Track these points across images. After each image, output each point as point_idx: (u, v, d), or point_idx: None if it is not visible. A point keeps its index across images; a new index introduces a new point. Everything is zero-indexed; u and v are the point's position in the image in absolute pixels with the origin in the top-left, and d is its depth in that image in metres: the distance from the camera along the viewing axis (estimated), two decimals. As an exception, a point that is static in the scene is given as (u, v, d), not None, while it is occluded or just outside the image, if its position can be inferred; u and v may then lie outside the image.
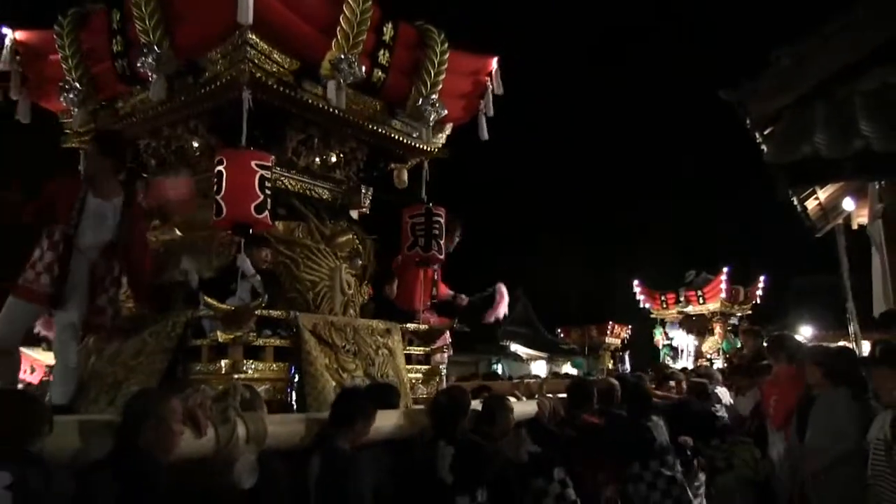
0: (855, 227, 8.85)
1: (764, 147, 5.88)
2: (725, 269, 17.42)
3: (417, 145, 5.15)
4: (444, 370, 5.45)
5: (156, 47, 4.10)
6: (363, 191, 5.28)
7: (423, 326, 5.12)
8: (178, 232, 4.50)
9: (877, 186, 7.19)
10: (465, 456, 3.64)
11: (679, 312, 18.08)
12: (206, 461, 2.76)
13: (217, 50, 4.14)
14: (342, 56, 4.29)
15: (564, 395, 4.90)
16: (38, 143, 5.45)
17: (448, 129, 5.44)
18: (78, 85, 4.61)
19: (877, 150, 4.61)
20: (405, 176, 5.63)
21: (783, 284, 21.02)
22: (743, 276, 18.22)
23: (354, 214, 5.34)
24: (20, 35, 5.03)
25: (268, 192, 3.96)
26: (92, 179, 4.13)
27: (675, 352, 17.90)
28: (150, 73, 4.18)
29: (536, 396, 4.85)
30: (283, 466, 3.05)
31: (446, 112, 5.02)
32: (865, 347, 7.31)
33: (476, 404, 4.04)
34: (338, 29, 4.27)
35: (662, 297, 18.35)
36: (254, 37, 4.00)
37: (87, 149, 4.37)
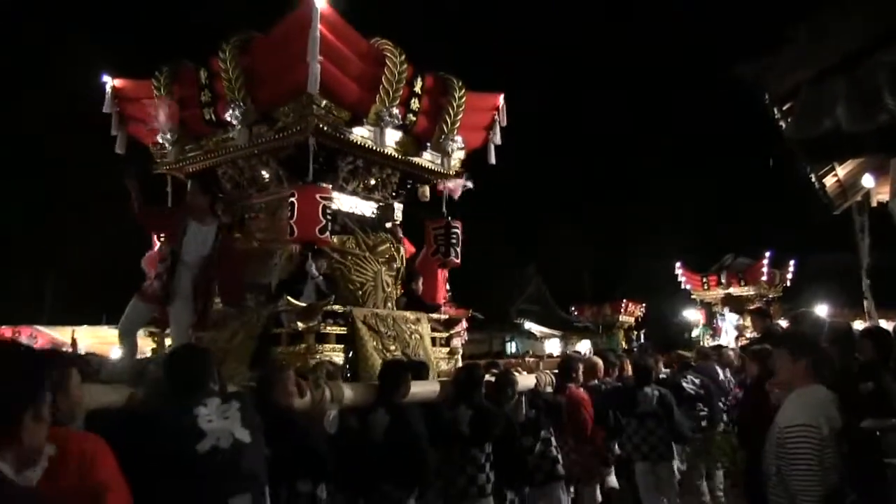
0: (874, 204, 8.55)
1: (782, 123, 5.68)
2: (767, 254, 18.29)
3: (439, 170, 6.39)
4: (461, 350, 6.72)
5: (241, 103, 5.33)
6: (394, 207, 6.51)
7: (444, 316, 6.39)
8: (254, 244, 5.76)
9: None
10: (479, 417, 4.88)
11: (723, 293, 18.91)
12: (307, 413, 4.03)
13: (288, 105, 5.35)
14: (384, 108, 5.53)
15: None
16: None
17: (463, 154, 6.66)
18: (171, 126, 5.84)
19: None
20: (427, 191, 6.87)
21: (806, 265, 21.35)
22: (777, 259, 19.08)
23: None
24: (117, 82, 6.27)
25: (329, 217, 5.22)
26: (193, 210, 5.38)
27: (714, 331, 18.56)
28: (234, 122, 5.41)
29: (535, 371, 6.16)
30: (354, 418, 4.33)
31: (464, 145, 6.26)
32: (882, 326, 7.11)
33: (489, 377, 5.31)
34: (381, 87, 5.49)
35: (705, 279, 19.21)
36: (317, 97, 5.22)
37: (189, 187, 5.60)
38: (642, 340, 21.03)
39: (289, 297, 4.99)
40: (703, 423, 7.00)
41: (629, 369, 7.36)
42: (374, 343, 5.41)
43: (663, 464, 6.24)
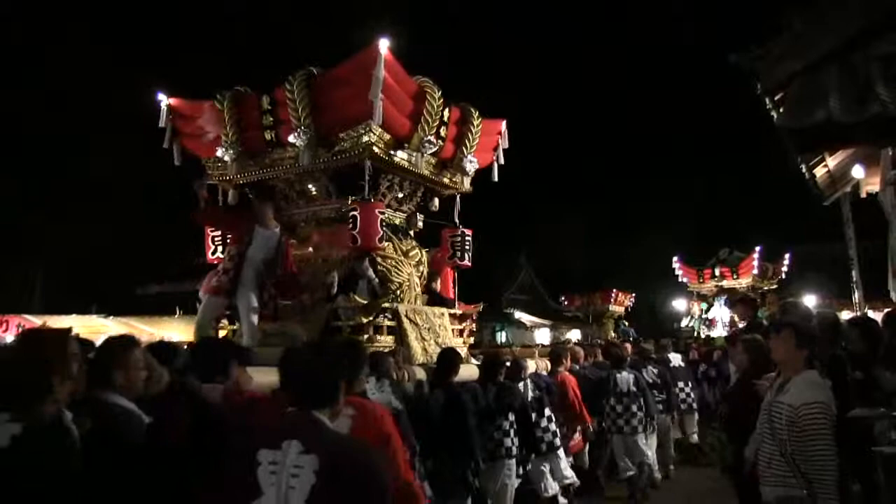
0: (864, 195, 8.57)
1: (774, 114, 5.75)
2: (758, 248, 19.29)
3: (457, 187, 7.50)
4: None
5: (305, 128, 6.24)
6: (417, 217, 7.56)
7: (458, 311, 7.51)
8: (310, 249, 6.69)
9: (889, 153, 6.89)
10: (502, 393, 6.05)
11: (715, 286, 19.92)
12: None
13: (346, 132, 6.30)
14: (423, 136, 6.58)
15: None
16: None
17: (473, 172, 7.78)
18: (232, 144, 6.66)
19: (894, 116, 4.49)
20: (437, 203, 7.95)
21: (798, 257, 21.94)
22: (771, 252, 20.12)
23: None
24: (172, 101, 7.02)
25: (384, 228, 6.23)
26: (259, 217, 6.25)
27: (709, 322, 19.46)
28: (298, 144, 6.31)
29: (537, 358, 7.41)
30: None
31: (478, 164, 7.39)
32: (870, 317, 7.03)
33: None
34: (422, 118, 6.53)
35: (700, 273, 20.21)
36: (375, 126, 6.20)
37: (256, 197, 6.46)
38: (621, 329, 21.44)
39: (354, 296, 5.99)
40: (660, 408, 8.39)
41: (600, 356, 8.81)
42: (415, 334, 6.47)
43: (636, 436, 7.60)
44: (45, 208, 22.08)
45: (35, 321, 13.57)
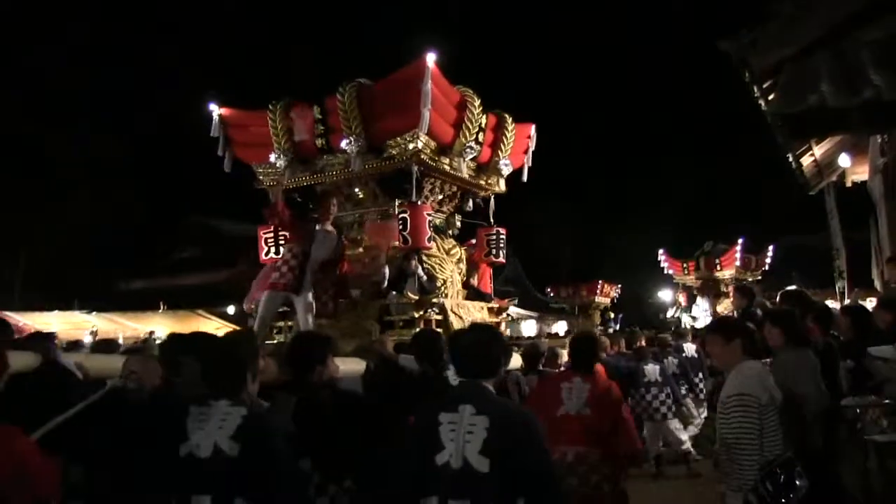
0: (849, 184, 8.56)
1: (762, 102, 5.76)
2: (740, 241, 19.67)
3: (492, 188, 7.96)
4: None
5: (356, 136, 6.68)
6: (455, 217, 8.03)
7: (495, 305, 7.99)
8: (360, 249, 7.15)
9: (879, 140, 6.80)
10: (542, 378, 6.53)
11: (698, 278, 20.30)
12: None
13: (395, 139, 6.75)
14: (465, 142, 7.03)
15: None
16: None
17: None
18: (284, 151, 7.09)
19: (887, 100, 4.47)
20: (471, 203, 8.41)
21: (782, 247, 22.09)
22: (755, 244, 20.40)
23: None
24: (223, 111, 7.45)
25: (432, 228, 6.70)
26: (321, 219, 6.69)
27: (693, 314, 19.74)
28: (350, 151, 6.75)
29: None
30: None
31: (512, 167, 7.86)
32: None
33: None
34: (464, 125, 6.99)
35: (685, 265, 20.60)
36: (423, 134, 6.65)
37: (319, 200, 6.88)
38: (611, 321, 21.79)
39: (408, 292, 6.45)
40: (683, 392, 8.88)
41: (622, 347, 9.29)
42: (459, 327, 6.93)
43: (666, 423, 8.08)
44: (24, 203, 22.13)
45: (18, 319, 13.81)
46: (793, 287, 8.61)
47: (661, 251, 21.17)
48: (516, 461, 2.37)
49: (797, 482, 2.97)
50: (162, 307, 20.08)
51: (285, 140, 7.09)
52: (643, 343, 8.44)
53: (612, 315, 22.83)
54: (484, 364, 2.63)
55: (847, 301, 8.19)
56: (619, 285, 24.33)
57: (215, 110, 7.45)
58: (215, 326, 19.15)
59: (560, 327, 23.68)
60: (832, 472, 3.59)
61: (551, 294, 25.62)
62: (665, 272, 21.53)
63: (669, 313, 20.72)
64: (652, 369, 8.11)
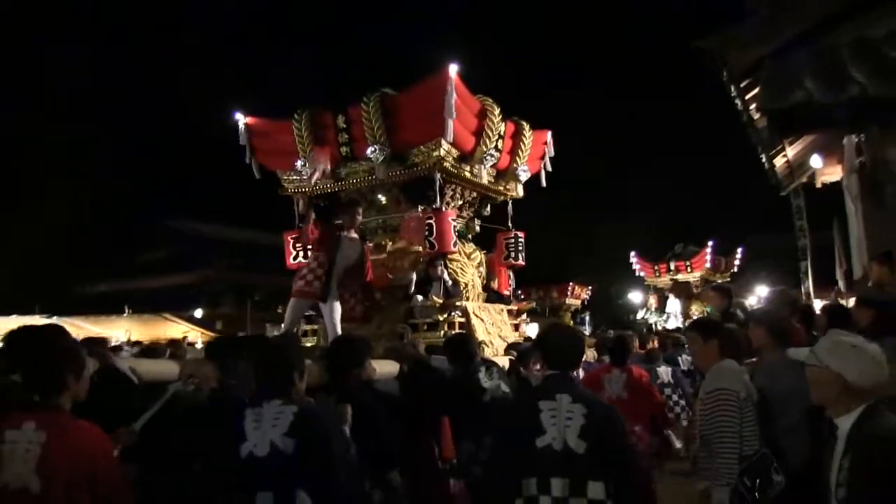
0: (819, 185, 8.55)
1: (738, 101, 5.76)
2: (710, 243, 19.97)
3: (510, 193, 8.15)
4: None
5: (380, 145, 6.88)
6: (475, 222, 8.22)
7: (514, 307, 8.18)
8: (384, 255, 7.34)
9: (854, 140, 6.79)
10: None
11: (670, 280, 20.57)
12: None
13: (419, 147, 6.95)
14: (485, 150, 7.23)
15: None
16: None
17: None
18: (309, 158, 7.30)
19: (872, 96, 4.54)
20: (489, 208, 8.60)
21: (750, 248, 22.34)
22: (725, 246, 20.82)
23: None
24: (248, 120, 7.66)
25: (456, 233, 6.89)
26: (343, 225, 6.89)
27: (666, 315, 19.83)
28: (374, 159, 6.95)
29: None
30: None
31: (529, 172, 8.05)
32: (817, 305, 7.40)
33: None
34: (483, 134, 7.18)
35: (656, 267, 20.88)
36: (445, 142, 6.85)
37: (345, 207, 7.06)
38: (586, 324, 22.25)
39: (433, 295, 6.65)
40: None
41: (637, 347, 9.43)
42: (481, 328, 7.13)
43: (678, 425, 8.25)
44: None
45: None
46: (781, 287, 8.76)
47: (632, 253, 21.50)
48: (606, 446, 2.71)
49: (774, 478, 3.11)
50: (127, 311, 20.00)
51: (310, 148, 7.29)
52: (655, 344, 8.59)
53: (583, 316, 23.11)
54: (571, 357, 2.98)
55: (821, 301, 8.40)
56: (590, 287, 24.46)
57: (241, 119, 7.66)
58: (182, 330, 18.99)
59: (532, 329, 23.62)
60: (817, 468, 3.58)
61: (521, 296, 25.60)
62: (636, 274, 21.84)
63: (639, 315, 20.84)
64: (664, 371, 8.27)
